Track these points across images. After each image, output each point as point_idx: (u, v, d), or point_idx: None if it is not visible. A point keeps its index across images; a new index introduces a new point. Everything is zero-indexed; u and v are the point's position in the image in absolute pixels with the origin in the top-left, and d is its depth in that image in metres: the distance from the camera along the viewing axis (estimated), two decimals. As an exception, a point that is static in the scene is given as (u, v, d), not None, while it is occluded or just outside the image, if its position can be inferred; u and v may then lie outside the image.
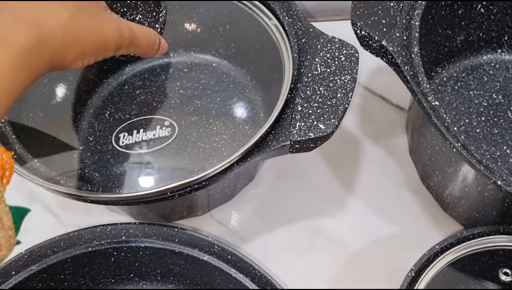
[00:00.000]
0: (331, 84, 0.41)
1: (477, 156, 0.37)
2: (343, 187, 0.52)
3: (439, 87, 0.56)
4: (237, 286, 0.41)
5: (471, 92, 0.55)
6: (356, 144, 0.54)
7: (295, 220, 0.50)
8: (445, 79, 0.56)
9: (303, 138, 0.38)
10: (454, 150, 0.38)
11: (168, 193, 0.37)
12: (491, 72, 0.56)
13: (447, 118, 0.39)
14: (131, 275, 0.46)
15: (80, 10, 0.33)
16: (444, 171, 0.46)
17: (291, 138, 0.39)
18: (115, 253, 0.43)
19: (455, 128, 0.38)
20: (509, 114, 0.53)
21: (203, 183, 0.37)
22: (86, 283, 0.45)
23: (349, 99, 0.40)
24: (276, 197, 0.51)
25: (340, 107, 0.39)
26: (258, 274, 0.41)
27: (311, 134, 0.38)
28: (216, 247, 0.42)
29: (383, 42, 0.42)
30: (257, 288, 0.40)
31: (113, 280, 0.46)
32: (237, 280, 0.41)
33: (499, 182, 0.36)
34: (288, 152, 0.40)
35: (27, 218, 0.50)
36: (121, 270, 0.45)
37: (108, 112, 0.47)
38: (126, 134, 0.45)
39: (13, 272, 0.41)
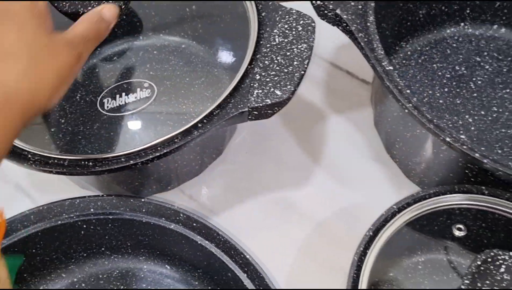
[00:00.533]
0: (288, 53, 0.42)
1: (428, 116, 0.39)
2: (310, 160, 0.53)
3: (404, 61, 0.57)
4: (204, 252, 0.42)
5: (434, 65, 0.56)
6: (323, 118, 0.56)
7: (263, 193, 0.51)
8: (409, 53, 0.58)
9: (260, 104, 0.39)
10: (406, 111, 0.40)
11: (131, 160, 0.38)
12: (454, 45, 0.58)
13: (400, 81, 0.40)
14: (102, 249, 0.47)
15: (33, 54, 0.32)
16: (404, 138, 0.47)
17: (249, 104, 0.40)
18: (84, 225, 0.44)
19: (415, 99, 0.40)
20: (471, 85, 0.55)
21: (163, 149, 0.38)
22: (58, 257, 0.46)
23: (305, 66, 0.41)
24: (244, 171, 0.52)
25: (296, 74, 0.40)
26: (223, 239, 0.42)
27: (268, 100, 0.40)
28: (181, 215, 0.43)
29: (338, 11, 0.43)
30: (222, 252, 0.41)
31: (84, 254, 0.47)
32: (203, 247, 0.42)
33: (448, 139, 0.38)
34: (247, 120, 0.41)
35: None
36: (92, 243, 0.46)
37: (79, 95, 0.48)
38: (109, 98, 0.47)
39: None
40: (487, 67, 0.57)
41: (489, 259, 0.36)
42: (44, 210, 0.43)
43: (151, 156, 0.39)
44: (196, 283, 0.47)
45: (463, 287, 0.35)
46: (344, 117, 0.56)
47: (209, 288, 0.46)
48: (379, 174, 0.52)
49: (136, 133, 0.46)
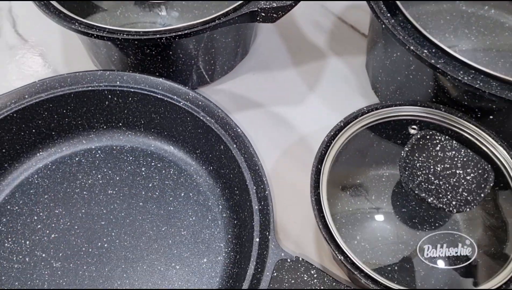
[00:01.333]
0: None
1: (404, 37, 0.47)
2: (306, 87, 0.62)
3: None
4: (204, 128, 0.51)
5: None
6: (323, 57, 0.64)
7: (262, 106, 0.60)
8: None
9: (267, 6, 0.48)
10: (389, 33, 0.48)
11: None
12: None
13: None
14: (120, 124, 0.56)
15: None
16: (385, 74, 0.55)
17: (258, 5, 0.49)
18: (109, 96, 0.53)
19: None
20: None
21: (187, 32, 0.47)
22: (83, 124, 0.55)
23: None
24: (250, 87, 0.61)
25: (298, -13, 0.49)
26: (221, 116, 0.51)
27: (274, 3, 0.49)
28: (190, 94, 0.52)
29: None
30: (219, 126, 0.50)
31: (104, 127, 0.56)
32: (204, 122, 0.51)
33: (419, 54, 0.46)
34: (256, 20, 0.50)
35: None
36: (112, 117, 0.55)
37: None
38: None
39: (26, 96, 0.52)
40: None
41: (428, 137, 0.43)
42: (79, 76, 0.52)
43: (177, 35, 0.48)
44: (193, 162, 0.55)
45: (402, 154, 0.42)
46: (342, 59, 0.64)
47: (203, 167, 0.54)
48: (362, 105, 0.60)
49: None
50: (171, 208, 0.52)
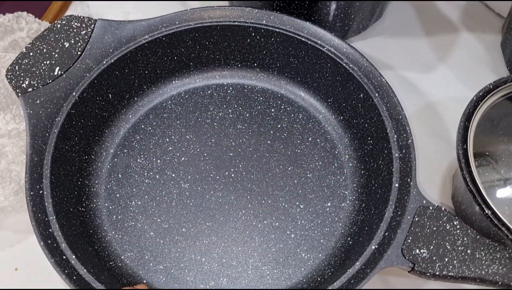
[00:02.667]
0: None
1: None
2: (437, 56, 0.61)
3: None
4: (344, 77, 0.51)
5: None
6: (456, 31, 0.64)
7: (393, 68, 0.60)
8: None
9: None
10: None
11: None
12: None
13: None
14: (255, 64, 0.57)
15: None
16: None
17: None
18: (253, 33, 0.54)
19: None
20: None
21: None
22: (219, 59, 0.56)
23: None
24: (380, 50, 0.61)
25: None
26: (365, 64, 0.51)
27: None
28: (336, 41, 0.52)
29: None
30: (363, 76, 0.50)
31: (239, 65, 0.57)
32: (346, 70, 0.51)
33: None
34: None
35: None
36: (249, 56, 0.56)
37: None
38: None
39: (177, 22, 0.53)
40: None
41: None
42: (227, 10, 0.54)
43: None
44: (324, 110, 0.55)
45: None
46: (474, 35, 0.63)
47: (334, 116, 0.54)
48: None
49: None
50: (298, 151, 0.53)
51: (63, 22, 0.50)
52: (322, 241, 0.48)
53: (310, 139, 0.53)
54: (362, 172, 0.51)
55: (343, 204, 0.50)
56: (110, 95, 0.52)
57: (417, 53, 0.62)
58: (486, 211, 0.41)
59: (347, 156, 0.52)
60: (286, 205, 0.50)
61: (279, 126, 0.54)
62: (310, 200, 0.50)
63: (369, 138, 0.50)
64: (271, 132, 0.54)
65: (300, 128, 0.54)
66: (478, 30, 0.63)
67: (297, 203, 0.50)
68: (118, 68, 0.51)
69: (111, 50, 0.51)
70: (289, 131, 0.54)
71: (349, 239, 0.47)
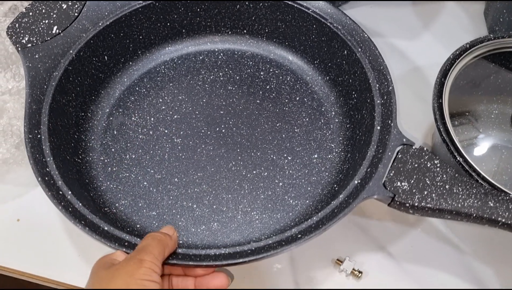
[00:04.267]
0: None
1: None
2: (422, 24, 0.64)
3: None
4: (329, 37, 0.54)
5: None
6: (443, 2, 0.66)
7: (379, 35, 0.63)
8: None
9: None
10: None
11: None
12: None
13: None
14: (244, 31, 0.59)
15: None
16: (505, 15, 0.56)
17: None
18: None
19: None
20: None
21: None
22: (211, 26, 0.59)
23: None
24: (368, 18, 0.64)
25: None
26: (348, 22, 0.53)
27: None
28: (320, 3, 0.54)
29: None
30: (347, 33, 0.52)
31: (229, 32, 0.60)
32: (330, 29, 0.53)
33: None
34: None
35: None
36: (239, 22, 0.59)
37: None
38: None
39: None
40: None
41: None
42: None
43: None
44: (311, 72, 0.58)
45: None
46: (459, 5, 0.66)
47: (320, 77, 0.57)
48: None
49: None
50: (286, 108, 0.55)
51: (61, -15, 0.53)
52: (309, 188, 0.50)
53: (297, 98, 0.56)
54: (348, 125, 0.53)
55: (329, 156, 0.52)
56: (106, 57, 0.54)
57: (403, 21, 0.64)
58: (458, 158, 0.43)
59: (333, 113, 0.54)
60: (274, 157, 0.52)
61: (268, 87, 0.56)
62: (297, 152, 0.52)
63: (353, 92, 0.52)
64: (260, 92, 0.56)
65: (288, 89, 0.56)
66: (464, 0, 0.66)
67: (285, 155, 0.52)
68: (114, 31, 0.54)
69: (106, 13, 0.53)
70: (278, 91, 0.56)
71: (335, 186, 0.49)
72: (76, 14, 0.52)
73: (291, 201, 0.49)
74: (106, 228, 0.41)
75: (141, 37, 0.56)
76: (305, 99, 0.55)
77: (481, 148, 0.49)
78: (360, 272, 0.47)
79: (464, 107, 0.51)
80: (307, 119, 0.54)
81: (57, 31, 0.51)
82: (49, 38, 0.50)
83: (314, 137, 0.53)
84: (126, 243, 0.40)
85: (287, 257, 0.48)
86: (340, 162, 0.51)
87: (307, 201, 0.49)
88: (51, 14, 0.51)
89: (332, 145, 0.52)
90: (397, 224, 0.50)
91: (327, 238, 0.48)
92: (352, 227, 0.50)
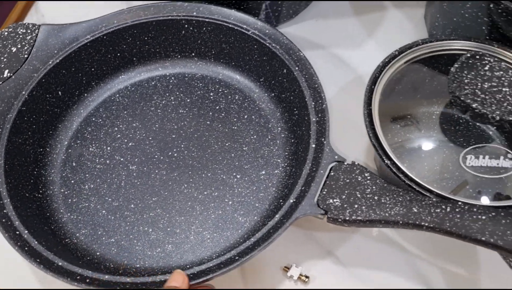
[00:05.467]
0: None
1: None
2: (366, 33, 0.66)
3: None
4: (269, 55, 0.56)
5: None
6: (383, 8, 0.68)
7: (323, 47, 0.65)
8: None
9: None
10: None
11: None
12: None
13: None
14: (193, 54, 0.62)
15: None
16: (442, 19, 0.58)
17: None
18: (186, 25, 0.59)
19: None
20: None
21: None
22: (160, 52, 0.62)
23: None
24: (312, 32, 0.66)
25: None
26: (285, 42, 0.56)
27: None
28: (259, 24, 0.57)
29: None
30: (283, 52, 0.55)
31: (179, 56, 0.62)
32: (270, 49, 0.56)
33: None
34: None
35: None
36: (186, 46, 0.61)
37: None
38: None
39: (115, 21, 0.59)
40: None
41: (478, 57, 0.46)
42: (161, 6, 0.59)
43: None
44: (257, 90, 0.60)
45: (452, 69, 0.46)
46: (401, 11, 0.68)
47: (266, 94, 0.59)
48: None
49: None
50: (235, 128, 0.57)
51: (9, 30, 0.55)
52: (257, 205, 0.53)
53: (246, 116, 0.58)
54: (292, 140, 0.56)
55: (276, 171, 0.55)
56: (60, 93, 0.57)
57: (347, 32, 0.67)
58: (386, 161, 0.45)
59: (279, 128, 0.57)
60: (224, 177, 0.55)
61: (217, 107, 0.59)
62: (246, 170, 0.55)
63: (295, 109, 0.55)
64: (210, 113, 0.59)
65: (236, 108, 0.59)
66: (405, 6, 0.68)
67: (234, 174, 0.55)
68: (65, 67, 0.57)
69: (56, 52, 0.56)
70: (227, 111, 0.59)
71: (281, 201, 0.52)
72: (26, 56, 0.55)
73: (240, 218, 0.52)
74: (60, 264, 0.44)
75: (93, 69, 0.59)
76: (253, 117, 0.58)
77: (421, 149, 0.51)
78: (307, 277, 0.50)
79: (407, 110, 0.54)
80: (255, 137, 0.57)
81: (8, 74, 0.54)
82: (1, 82, 0.53)
83: (261, 154, 0.56)
84: (78, 277, 0.43)
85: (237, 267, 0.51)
86: (286, 176, 0.54)
87: (255, 218, 0.52)
88: (1, 58, 0.54)
89: (279, 161, 0.55)
90: (342, 230, 0.53)
91: (276, 247, 0.51)
92: (300, 234, 0.53)
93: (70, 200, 0.54)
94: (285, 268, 0.51)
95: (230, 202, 0.53)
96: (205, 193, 0.53)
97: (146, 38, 0.60)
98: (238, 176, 0.54)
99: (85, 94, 0.60)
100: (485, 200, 0.45)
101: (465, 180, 0.47)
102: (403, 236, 0.52)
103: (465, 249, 0.51)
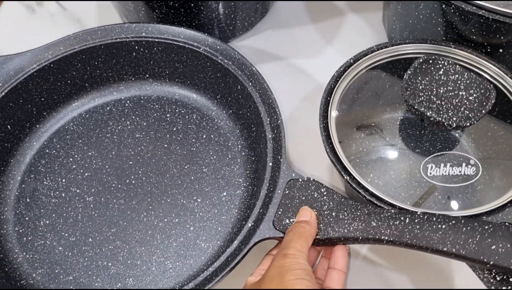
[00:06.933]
0: None
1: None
2: (325, 41, 0.65)
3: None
4: (222, 72, 0.54)
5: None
6: (341, 14, 0.67)
7: (282, 58, 0.63)
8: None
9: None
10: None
11: None
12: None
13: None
14: (147, 75, 0.60)
15: None
16: (399, 20, 0.57)
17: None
18: (136, 46, 0.57)
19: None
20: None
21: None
22: (113, 76, 0.60)
23: None
24: (270, 43, 0.64)
25: None
26: (237, 57, 0.54)
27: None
28: (209, 40, 0.55)
29: None
30: (236, 68, 0.53)
31: (133, 78, 0.60)
32: (222, 66, 0.54)
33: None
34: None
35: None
36: (139, 68, 0.59)
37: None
38: None
39: (62, 48, 0.57)
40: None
41: (431, 61, 0.45)
42: (108, 29, 0.57)
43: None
44: (215, 108, 0.58)
45: (405, 77, 0.44)
46: (360, 16, 0.67)
47: (224, 111, 0.58)
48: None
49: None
50: (194, 149, 0.55)
51: None
52: (219, 229, 0.51)
53: (204, 136, 0.56)
54: (253, 158, 0.54)
55: (238, 191, 0.53)
56: (8, 126, 0.55)
57: (306, 41, 0.65)
58: (345, 177, 0.44)
59: (239, 146, 0.55)
60: (184, 201, 0.52)
61: (174, 129, 0.57)
62: (206, 193, 0.53)
63: (252, 126, 0.53)
64: (167, 135, 0.57)
65: (194, 128, 0.57)
66: (363, 10, 0.67)
67: (195, 198, 0.53)
68: (11, 100, 0.54)
69: (0, 84, 0.54)
70: (185, 132, 0.57)
71: (243, 222, 0.50)
72: (-32, 91, 0.52)
73: (202, 244, 0.50)
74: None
75: (43, 99, 0.57)
76: (212, 136, 0.56)
77: (383, 159, 0.50)
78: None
79: (370, 119, 0.52)
80: (214, 157, 0.55)
81: (-49, 112, 0.51)
82: None
83: (222, 174, 0.54)
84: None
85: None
86: (248, 196, 0.52)
87: (219, 242, 0.50)
88: None
89: (240, 180, 0.53)
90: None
91: (243, 265, 0.49)
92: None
93: (25, 238, 0.51)
94: None
95: (191, 228, 0.51)
96: (166, 220, 0.51)
97: (96, 63, 0.57)
98: (199, 200, 0.52)
99: (37, 125, 0.57)
100: (450, 210, 0.43)
101: (433, 185, 0.45)
102: (372, 249, 0.51)
103: (435, 258, 0.49)
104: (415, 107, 0.42)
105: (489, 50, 0.51)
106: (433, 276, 0.49)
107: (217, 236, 0.50)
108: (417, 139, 0.48)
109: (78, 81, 0.58)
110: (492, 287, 0.39)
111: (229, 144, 0.55)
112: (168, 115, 0.58)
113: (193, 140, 0.56)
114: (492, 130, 0.48)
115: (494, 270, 0.39)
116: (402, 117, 0.51)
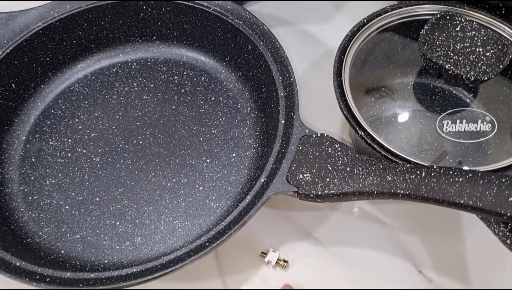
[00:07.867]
0: None
1: None
2: (334, 7, 0.64)
3: None
4: (233, 33, 0.53)
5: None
6: None
7: (291, 23, 0.62)
8: None
9: None
10: None
11: None
12: None
13: None
14: (154, 37, 0.59)
15: None
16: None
17: None
18: (144, 7, 0.56)
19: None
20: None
21: None
22: (119, 37, 0.58)
23: None
24: (279, 9, 0.63)
25: None
26: (248, 17, 0.53)
27: None
28: (219, 0, 0.54)
29: None
30: (247, 27, 0.52)
31: (139, 40, 0.59)
32: (233, 26, 0.53)
33: None
34: None
35: None
36: (147, 30, 0.58)
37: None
38: None
39: (68, 6, 0.55)
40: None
41: (448, 17, 0.44)
42: (116, -12, 0.56)
43: None
44: (223, 70, 0.57)
45: (422, 32, 0.44)
46: (368, -18, 0.66)
47: (233, 73, 0.57)
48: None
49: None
50: (202, 110, 0.55)
51: (-47, 21, 0.52)
52: (229, 189, 0.50)
53: (213, 98, 0.56)
54: (263, 120, 0.53)
55: (247, 153, 0.52)
56: (13, 85, 0.54)
57: (315, 6, 0.64)
58: (360, 133, 0.43)
59: (248, 108, 0.55)
60: (193, 162, 0.52)
61: (182, 91, 0.56)
62: (216, 154, 0.52)
63: (263, 86, 0.52)
64: (175, 97, 0.56)
65: (203, 90, 0.56)
66: None
67: (204, 158, 0.52)
68: (16, 58, 0.53)
69: (5, 41, 0.52)
70: (193, 94, 0.56)
71: (254, 182, 0.49)
72: (-28, 47, 0.51)
73: (212, 204, 0.49)
74: (18, 264, 0.41)
75: (48, 59, 0.56)
76: (221, 98, 0.55)
77: (397, 121, 0.49)
78: (285, 261, 0.48)
79: (381, 82, 0.51)
80: (223, 118, 0.54)
81: (-45, 67, 0.50)
82: None
83: (231, 136, 0.53)
84: (37, 277, 0.40)
85: (212, 256, 0.49)
86: (257, 157, 0.51)
87: (228, 202, 0.49)
88: None
89: (250, 142, 0.52)
90: (320, 208, 0.51)
91: (252, 231, 0.49)
92: (276, 217, 0.50)
93: (30, 197, 0.50)
94: (262, 254, 0.48)
95: (200, 188, 0.50)
96: (174, 180, 0.51)
97: (103, 23, 0.56)
98: (208, 161, 0.52)
99: (42, 86, 0.56)
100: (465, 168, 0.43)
101: (445, 150, 0.45)
102: (383, 211, 0.50)
103: (447, 219, 0.49)
104: (433, 60, 0.41)
105: (503, 12, 0.51)
106: (445, 238, 0.48)
107: (226, 196, 0.50)
108: (430, 100, 0.47)
109: (84, 42, 0.57)
110: (508, 241, 0.38)
111: (238, 106, 0.55)
112: (175, 78, 0.57)
113: (202, 102, 0.55)
114: (505, 93, 0.48)
115: (510, 224, 0.38)
116: (413, 80, 0.50)
